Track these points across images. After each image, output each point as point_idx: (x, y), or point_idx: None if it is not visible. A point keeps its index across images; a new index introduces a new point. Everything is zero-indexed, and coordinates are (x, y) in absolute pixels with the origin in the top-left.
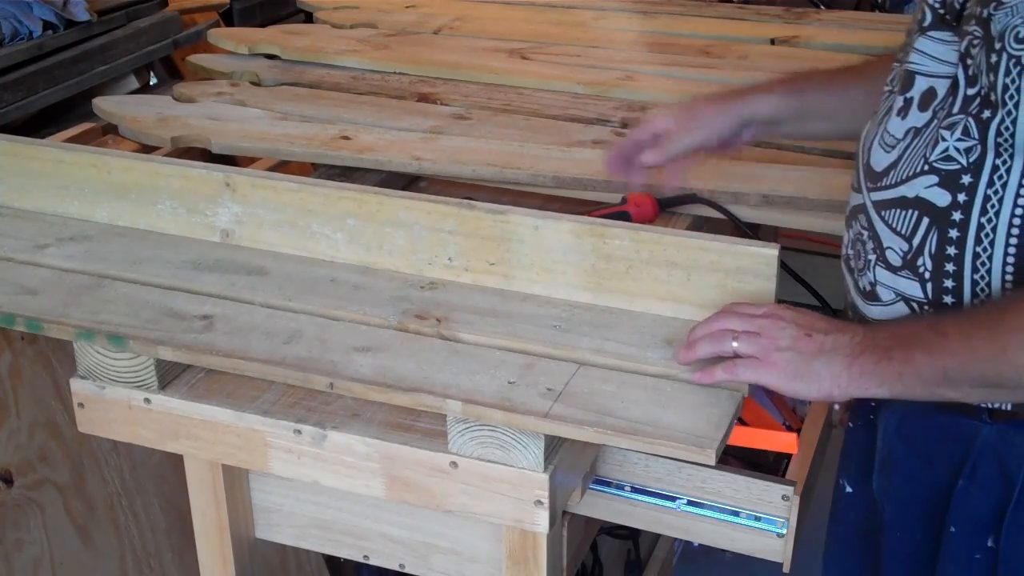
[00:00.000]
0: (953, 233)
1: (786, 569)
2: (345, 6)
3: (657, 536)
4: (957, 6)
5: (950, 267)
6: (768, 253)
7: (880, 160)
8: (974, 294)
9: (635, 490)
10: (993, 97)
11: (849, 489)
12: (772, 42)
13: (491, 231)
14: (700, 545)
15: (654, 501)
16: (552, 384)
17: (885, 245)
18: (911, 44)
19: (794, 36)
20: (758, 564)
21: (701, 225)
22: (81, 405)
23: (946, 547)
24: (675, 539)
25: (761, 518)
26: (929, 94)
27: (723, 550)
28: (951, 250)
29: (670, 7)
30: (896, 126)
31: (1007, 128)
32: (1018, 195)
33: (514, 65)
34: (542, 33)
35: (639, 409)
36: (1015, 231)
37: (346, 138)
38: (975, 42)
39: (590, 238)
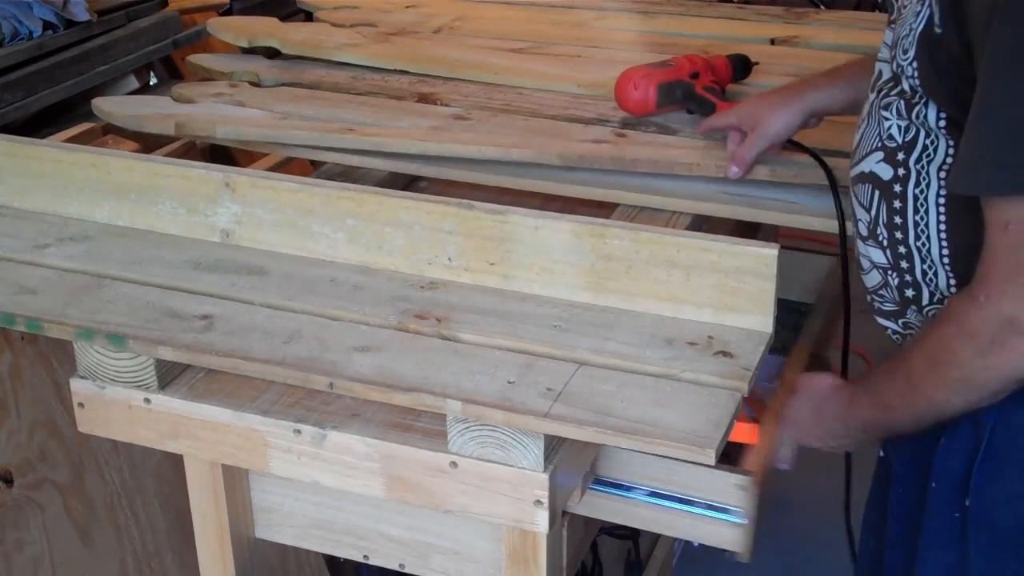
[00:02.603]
0: (896, 204)
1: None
2: (345, 6)
3: (657, 536)
4: None
5: (899, 235)
6: (768, 253)
7: (854, 139)
8: (921, 259)
9: (635, 490)
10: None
11: (881, 454)
12: (772, 42)
13: (491, 231)
14: (700, 545)
15: (654, 501)
16: (552, 384)
17: (857, 217)
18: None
19: (794, 36)
20: (758, 564)
21: (701, 225)
22: (81, 405)
23: (929, 503)
24: (675, 539)
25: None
26: (877, 77)
27: (723, 550)
28: (897, 219)
29: (670, 7)
30: (864, 108)
31: (921, 97)
32: (940, 170)
33: (514, 64)
34: (542, 33)
35: (639, 409)
36: (942, 202)
37: (351, 129)
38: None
39: (590, 238)
